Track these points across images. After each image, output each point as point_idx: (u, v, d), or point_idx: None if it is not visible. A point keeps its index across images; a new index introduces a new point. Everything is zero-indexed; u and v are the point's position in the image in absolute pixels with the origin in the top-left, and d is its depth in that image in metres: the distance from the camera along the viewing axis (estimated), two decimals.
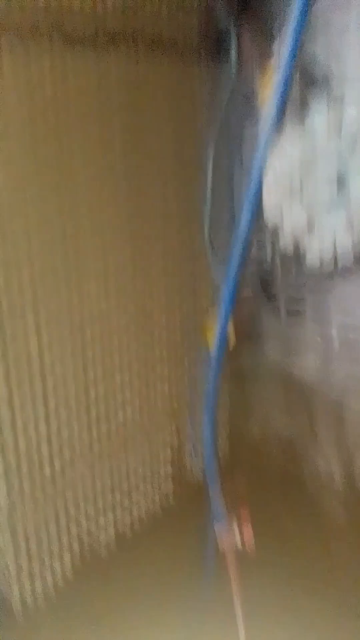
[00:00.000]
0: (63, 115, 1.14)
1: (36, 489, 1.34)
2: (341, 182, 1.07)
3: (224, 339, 1.22)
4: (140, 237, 1.42)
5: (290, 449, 1.99)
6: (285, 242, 1.16)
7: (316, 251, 1.15)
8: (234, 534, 1.43)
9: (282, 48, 0.96)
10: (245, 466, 1.99)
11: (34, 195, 1.12)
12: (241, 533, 1.44)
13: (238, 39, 1.32)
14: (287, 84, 0.97)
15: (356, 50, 1.30)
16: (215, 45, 1.38)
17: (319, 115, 1.06)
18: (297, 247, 1.15)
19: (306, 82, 1.23)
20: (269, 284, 1.41)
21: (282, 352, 1.86)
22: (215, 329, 1.28)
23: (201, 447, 1.74)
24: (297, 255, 1.17)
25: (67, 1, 1.08)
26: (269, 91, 1.30)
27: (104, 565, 1.57)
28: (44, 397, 1.29)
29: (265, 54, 1.27)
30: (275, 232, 1.17)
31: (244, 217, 1.08)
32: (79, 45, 1.12)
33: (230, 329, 1.32)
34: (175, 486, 1.82)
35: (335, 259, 1.13)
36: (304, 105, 1.14)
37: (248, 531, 1.43)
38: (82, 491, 1.48)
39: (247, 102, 1.45)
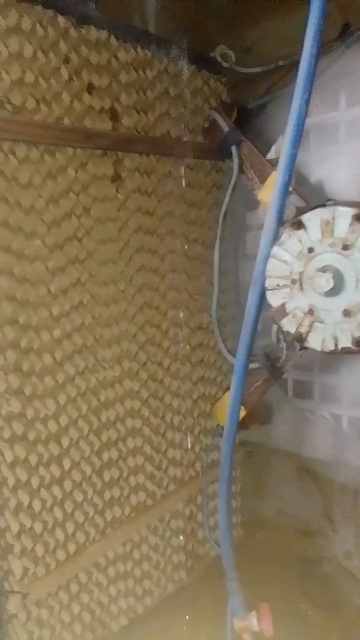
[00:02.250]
0: (84, 199, 1.32)
1: (47, 556, 1.35)
2: (337, 276, 1.16)
3: (236, 413, 1.24)
4: (152, 307, 1.55)
5: (306, 532, 1.95)
6: (289, 325, 1.22)
7: (319, 334, 1.21)
8: (251, 621, 1.39)
9: (280, 157, 1.03)
10: (260, 550, 1.95)
11: (55, 266, 1.27)
12: (260, 620, 1.40)
13: (238, 145, 1.52)
14: (284, 192, 1.03)
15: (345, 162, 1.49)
16: (220, 145, 1.57)
17: (314, 216, 1.17)
18: (299, 330, 1.21)
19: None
20: (276, 364, 1.46)
21: (292, 432, 1.89)
22: (226, 406, 1.28)
23: (215, 531, 1.73)
24: (300, 336, 1.23)
25: (90, 120, 1.31)
26: (268, 195, 1.48)
27: None
28: (58, 458, 1.34)
29: (262, 163, 1.48)
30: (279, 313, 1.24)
31: (251, 303, 1.13)
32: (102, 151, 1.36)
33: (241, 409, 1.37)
34: (189, 564, 1.78)
35: (336, 342, 1.20)
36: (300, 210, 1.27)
37: (267, 619, 1.38)
38: (95, 566, 1.47)
39: (249, 197, 1.64)
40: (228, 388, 1.73)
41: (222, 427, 1.56)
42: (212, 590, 1.70)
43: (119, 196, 1.42)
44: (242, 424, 1.50)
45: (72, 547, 1.39)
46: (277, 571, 1.85)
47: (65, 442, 1.34)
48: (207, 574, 1.82)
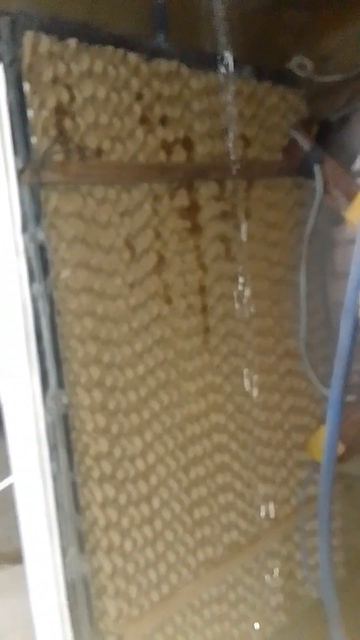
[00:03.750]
0: (163, 233, 1.31)
1: (141, 596, 1.32)
2: None
3: (333, 450, 1.16)
4: (235, 336, 1.49)
5: None
6: None
7: None
8: None
9: None
10: None
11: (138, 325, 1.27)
12: None
13: (321, 163, 1.44)
14: None
15: None
16: (301, 165, 1.50)
17: None
18: None
19: None
20: None
21: None
22: (322, 442, 1.22)
23: (315, 571, 1.62)
24: None
25: (164, 153, 1.30)
26: (357, 214, 1.37)
27: None
28: (148, 497, 1.32)
29: (348, 181, 1.38)
30: None
31: (344, 333, 1.06)
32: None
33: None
34: (288, 606, 1.68)
35: None
36: None
37: None
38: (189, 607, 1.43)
39: (335, 214, 1.55)
40: (321, 417, 1.63)
41: (318, 463, 1.46)
42: (313, 634, 1.59)
43: (198, 226, 1.39)
44: (340, 458, 1.39)
45: (165, 588, 1.36)
46: None
47: (153, 480, 1.32)
48: (308, 616, 1.71)
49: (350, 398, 1.32)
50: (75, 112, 1.15)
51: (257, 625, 1.59)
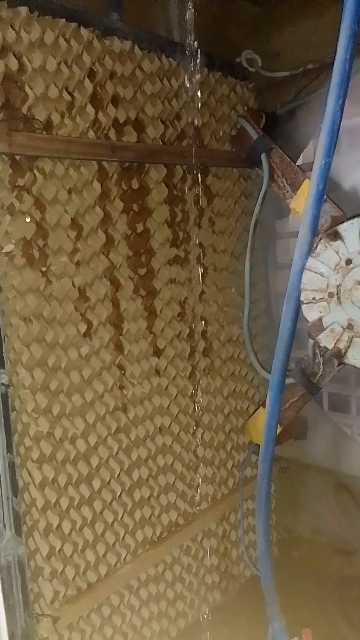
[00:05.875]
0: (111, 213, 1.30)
1: (78, 578, 1.31)
2: None
3: (273, 431, 1.19)
4: (179, 320, 1.52)
5: (344, 550, 1.88)
6: (327, 340, 1.17)
7: (357, 348, 1.15)
8: None
9: (314, 165, 0.98)
10: (297, 569, 1.88)
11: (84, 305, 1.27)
12: None
13: (268, 152, 1.47)
14: (319, 200, 0.98)
15: None
16: (249, 153, 1.52)
17: (352, 226, 1.12)
18: (338, 345, 1.16)
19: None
20: (312, 379, 1.41)
21: (329, 447, 1.82)
22: (260, 424, 1.25)
23: (251, 549, 1.67)
24: (339, 352, 1.18)
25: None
26: (301, 204, 1.41)
27: None
28: (88, 478, 1.31)
29: (294, 171, 1.42)
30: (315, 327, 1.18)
31: (285, 317, 1.07)
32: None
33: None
34: (223, 585, 1.72)
35: None
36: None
37: None
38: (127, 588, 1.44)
39: (279, 206, 1.59)
40: (260, 402, 1.68)
41: (257, 445, 1.51)
42: (247, 611, 1.64)
43: (146, 208, 1.39)
44: (277, 440, 1.44)
45: (103, 569, 1.36)
46: (315, 591, 1.78)
47: (94, 461, 1.31)
48: (242, 594, 1.77)
49: (289, 381, 1.38)
50: (25, 81, 1.11)
51: (193, 604, 1.62)
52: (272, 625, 1.32)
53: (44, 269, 1.18)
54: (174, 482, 1.52)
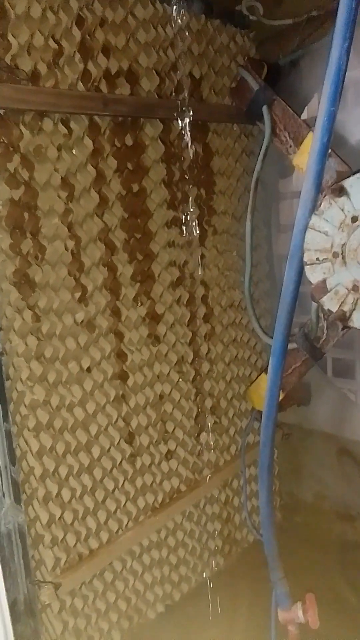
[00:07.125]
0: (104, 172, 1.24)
1: (79, 545, 1.31)
2: None
3: (275, 396, 1.13)
4: (179, 285, 1.47)
5: (346, 515, 1.88)
6: (331, 303, 1.11)
7: None
8: (297, 613, 1.32)
9: (318, 117, 0.90)
10: (299, 534, 1.88)
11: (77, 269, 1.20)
12: (305, 612, 1.32)
13: (270, 105, 1.39)
14: (323, 155, 0.91)
15: None
16: (249, 107, 1.44)
17: (358, 181, 1.04)
18: (342, 308, 1.10)
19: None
20: (316, 344, 1.36)
21: (332, 413, 1.80)
22: (263, 390, 1.22)
23: (254, 514, 1.67)
24: (344, 315, 1.13)
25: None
26: (304, 160, 1.33)
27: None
28: (87, 446, 1.29)
29: (297, 124, 1.34)
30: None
31: (288, 279, 1.01)
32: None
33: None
34: (226, 550, 1.73)
35: None
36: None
37: (313, 610, 1.31)
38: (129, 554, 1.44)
39: (282, 163, 1.51)
40: (263, 368, 1.65)
41: (259, 411, 1.48)
42: (250, 575, 1.65)
43: (142, 167, 1.32)
44: (279, 406, 1.41)
45: (104, 536, 1.36)
46: (317, 556, 1.78)
47: (93, 429, 1.29)
48: (245, 559, 1.77)
49: (292, 346, 1.34)
50: (8, 29, 1.03)
51: (196, 569, 1.63)
52: (275, 591, 1.32)
53: (34, 231, 1.12)
54: (175, 449, 1.51)
